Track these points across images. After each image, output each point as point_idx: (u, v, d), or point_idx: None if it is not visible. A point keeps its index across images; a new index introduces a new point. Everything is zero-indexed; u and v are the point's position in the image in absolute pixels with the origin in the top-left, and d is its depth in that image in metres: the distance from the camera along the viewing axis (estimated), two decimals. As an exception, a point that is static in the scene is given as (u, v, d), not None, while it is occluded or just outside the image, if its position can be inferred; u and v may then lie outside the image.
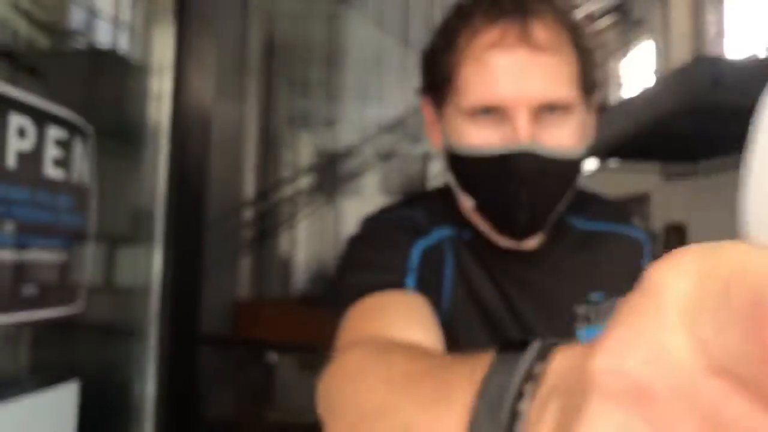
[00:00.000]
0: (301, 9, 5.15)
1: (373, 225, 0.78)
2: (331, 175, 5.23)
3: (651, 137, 6.77)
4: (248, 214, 5.01)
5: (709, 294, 0.15)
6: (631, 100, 7.42)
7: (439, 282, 0.73)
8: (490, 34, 0.69)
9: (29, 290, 0.98)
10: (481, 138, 0.70)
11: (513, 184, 0.68)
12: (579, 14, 4.59)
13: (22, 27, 1.43)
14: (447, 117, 0.75)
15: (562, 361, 0.26)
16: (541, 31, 0.68)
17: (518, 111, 0.67)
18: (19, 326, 1.10)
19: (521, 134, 0.67)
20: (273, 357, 3.71)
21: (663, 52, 7.44)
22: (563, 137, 0.69)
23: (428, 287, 0.68)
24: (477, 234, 0.78)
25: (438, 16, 0.81)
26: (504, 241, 0.75)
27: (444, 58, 0.73)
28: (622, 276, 0.83)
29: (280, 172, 5.34)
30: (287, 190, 5.38)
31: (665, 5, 5.37)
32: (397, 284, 0.66)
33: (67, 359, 1.29)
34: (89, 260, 1.13)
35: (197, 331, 1.49)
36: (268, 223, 5.10)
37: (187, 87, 1.42)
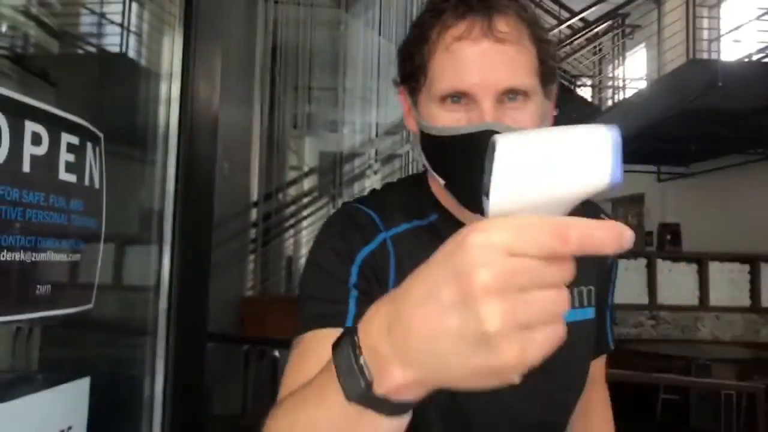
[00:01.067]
0: (305, 17, 5.20)
1: (322, 240, 0.86)
2: (334, 177, 5.26)
3: (646, 140, 6.75)
4: (255, 215, 5.04)
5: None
6: (625, 103, 7.43)
7: (384, 280, 0.81)
8: (459, 28, 0.77)
9: (42, 290, 1.00)
10: (450, 121, 0.78)
11: (478, 159, 0.73)
12: (575, 20, 4.61)
13: (33, 31, 1.45)
14: (420, 103, 0.83)
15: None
16: (503, 25, 0.77)
17: (483, 96, 0.75)
18: (31, 325, 1.12)
19: (486, 116, 0.75)
20: (277, 353, 3.73)
21: (658, 56, 7.43)
22: (524, 120, 0.76)
23: (371, 296, 0.74)
24: (443, 216, 0.86)
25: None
26: (472, 220, 0.79)
27: (417, 50, 0.81)
28: (587, 265, 0.88)
29: (285, 175, 5.37)
30: (292, 192, 5.42)
31: (661, 10, 5.37)
32: (335, 317, 0.77)
33: (79, 357, 1.31)
34: (100, 261, 1.14)
35: (205, 329, 1.51)
36: (274, 223, 5.13)
37: (194, 92, 1.45)
